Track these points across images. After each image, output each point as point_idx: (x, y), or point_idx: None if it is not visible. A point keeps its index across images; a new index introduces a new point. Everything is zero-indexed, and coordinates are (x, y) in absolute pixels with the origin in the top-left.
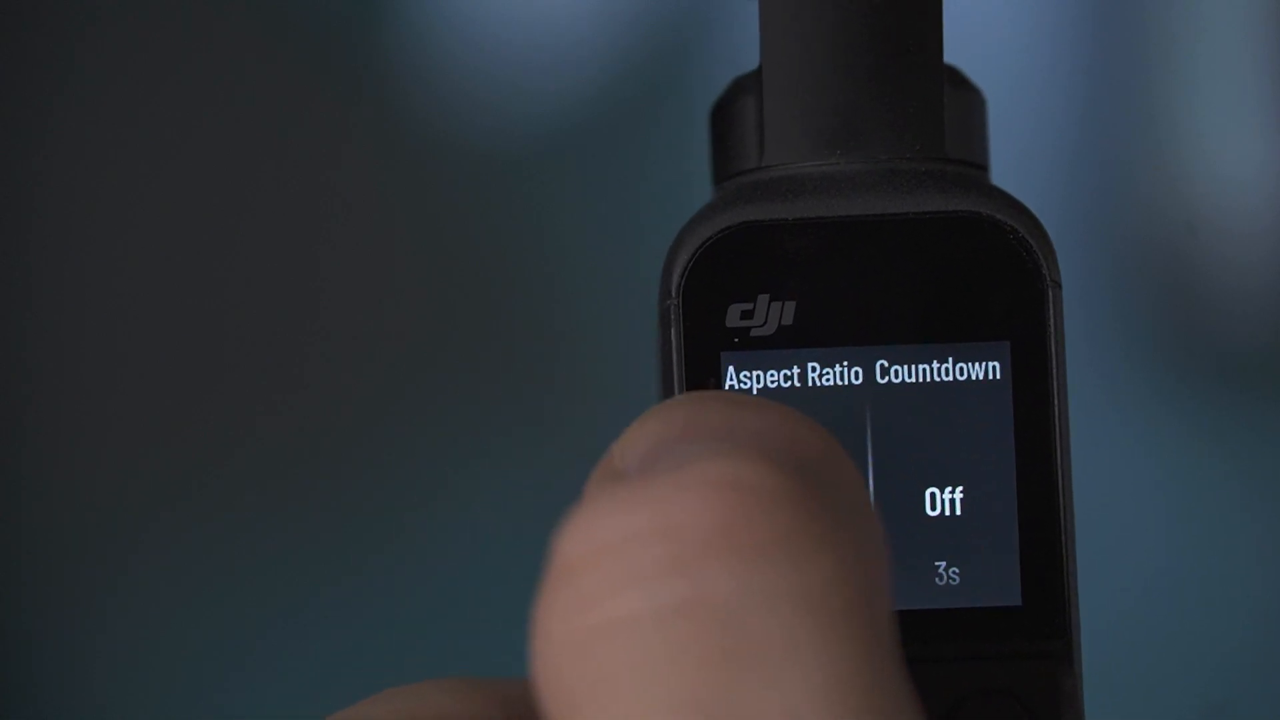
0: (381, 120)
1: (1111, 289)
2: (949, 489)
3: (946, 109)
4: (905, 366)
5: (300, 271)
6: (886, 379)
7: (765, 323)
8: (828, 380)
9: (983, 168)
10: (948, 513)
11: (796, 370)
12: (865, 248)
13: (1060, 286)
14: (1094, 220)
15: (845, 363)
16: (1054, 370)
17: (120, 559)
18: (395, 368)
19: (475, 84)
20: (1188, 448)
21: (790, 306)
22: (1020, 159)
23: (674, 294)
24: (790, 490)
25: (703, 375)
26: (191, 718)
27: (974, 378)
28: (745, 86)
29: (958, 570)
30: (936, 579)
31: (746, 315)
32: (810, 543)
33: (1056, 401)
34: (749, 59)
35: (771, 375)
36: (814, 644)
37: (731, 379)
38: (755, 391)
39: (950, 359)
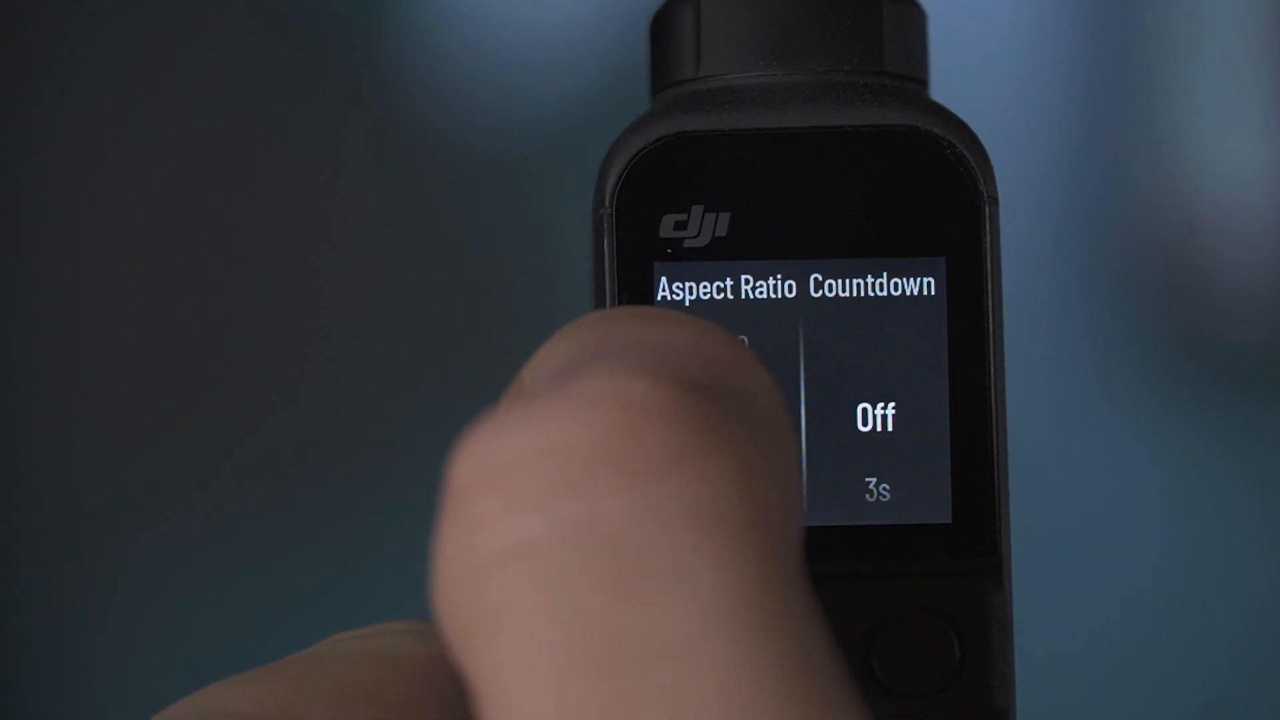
0: (381, 120)
1: (1111, 289)
2: (881, 405)
3: (885, 22)
4: (839, 280)
5: (300, 271)
6: (820, 292)
7: (699, 234)
8: (761, 293)
9: (922, 82)
10: (879, 428)
11: (730, 282)
12: (801, 160)
13: (997, 203)
14: (1094, 220)
15: (779, 275)
16: (989, 287)
17: (120, 559)
18: (395, 368)
19: (475, 84)
20: (1188, 448)
21: (724, 218)
22: (1020, 159)
23: (607, 203)
24: (683, 405)
25: (635, 285)
26: None
27: (908, 293)
28: None
29: (888, 487)
30: (867, 495)
31: (680, 226)
32: (703, 458)
33: (991, 318)
34: None
35: (704, 286)
36: (708, 562)
37: (664, 290)
38: (688, 303)
39: (885, 274)
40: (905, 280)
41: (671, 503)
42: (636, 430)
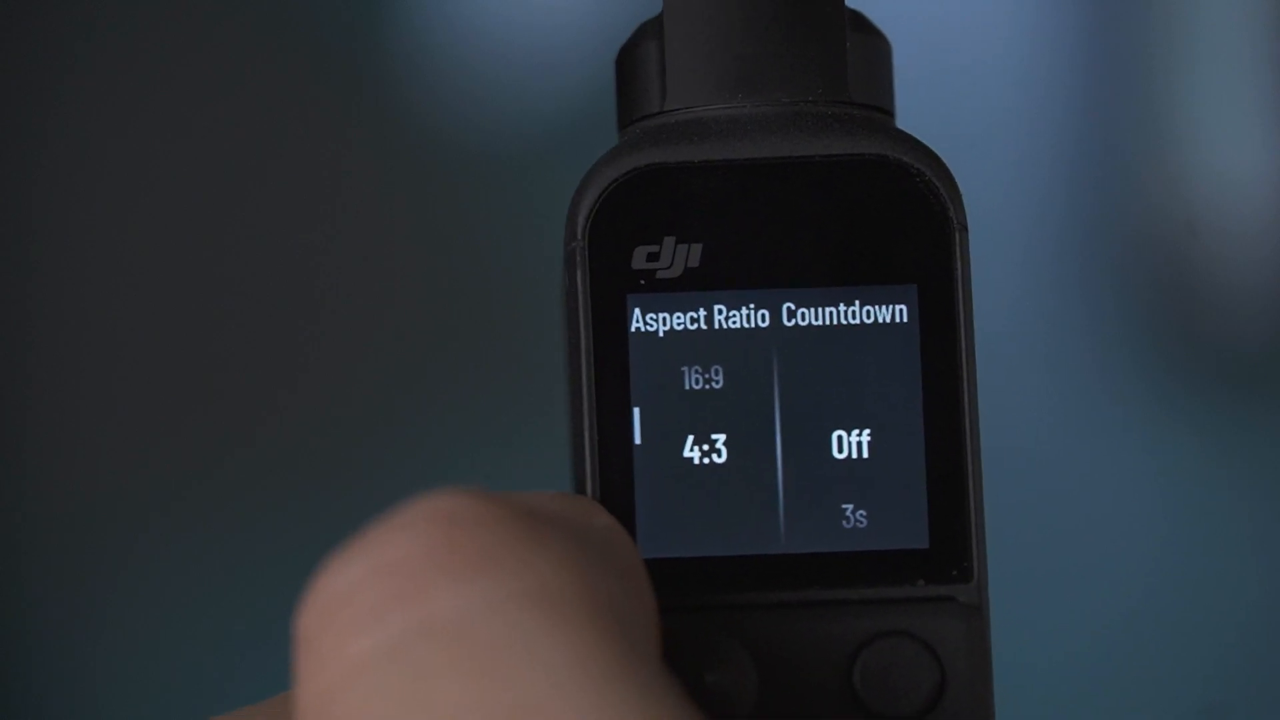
0: (381, 120)
1: (1111, 289)
2: (856, 431)
3: (849, 53)
4: (812, 309)
5: (300, 271)
6: (793, 321)
7: (671, 265)
8: (734, 323)
9: (888, 112)
10: (855, 455)
11: (703, 312)
12: (771, 190)
13: (967, 230)
14: (1094, 220)
15: (752, 305)
16: (961, 313)
17: (120, 559)
18: (395, 367)
19: (475, 84)
20: (1188, 448)
21: (696, 249)
22: (1020, 159)
23: (579, 236)
24: (492, 510)
25: (608, 317)
26: (191, 718)
27: (881, 320)
28: (649, 31)
29: (865, 513)
30: (844, 521)
31: (652, 257)
32: (525, 551)
33: (964, 344)
34: None
35: (678, 317)
36: (551, 636)
37: (637, 321)
38: (661, 333)
39: (857, 302)
40: (877, 308)
41: (501, 591)
42: (454, 536)
